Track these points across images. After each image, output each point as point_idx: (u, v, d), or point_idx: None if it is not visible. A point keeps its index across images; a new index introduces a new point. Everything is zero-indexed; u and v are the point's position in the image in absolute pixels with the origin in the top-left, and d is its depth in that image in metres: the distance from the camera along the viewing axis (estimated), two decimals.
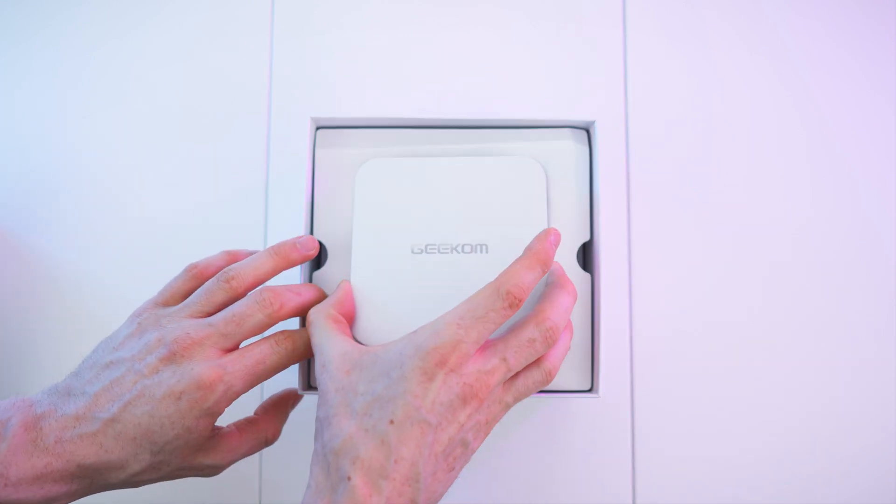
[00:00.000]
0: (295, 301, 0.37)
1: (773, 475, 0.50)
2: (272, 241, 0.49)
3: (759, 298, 0.51)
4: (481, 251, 0.39)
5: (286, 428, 0.51)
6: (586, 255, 0.46)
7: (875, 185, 0.52)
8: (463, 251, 0.38)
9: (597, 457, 0.51)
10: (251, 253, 0.41)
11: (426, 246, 0.39)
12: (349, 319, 0.39)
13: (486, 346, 0.32)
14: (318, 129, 0.45)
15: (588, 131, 0.46)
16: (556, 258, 0.46)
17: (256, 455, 0.51)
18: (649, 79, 0.53)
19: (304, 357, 0.39)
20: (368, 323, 0.39)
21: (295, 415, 0.51)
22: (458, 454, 0.30)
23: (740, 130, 0.53)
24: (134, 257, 0.52)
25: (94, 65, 0.54)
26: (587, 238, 0.45)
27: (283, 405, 0.43)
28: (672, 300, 0.51)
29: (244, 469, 0.51)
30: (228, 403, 0.35)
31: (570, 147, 0.45)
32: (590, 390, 0.44)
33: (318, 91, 0.54)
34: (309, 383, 0.48)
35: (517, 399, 0.34)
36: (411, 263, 0.39)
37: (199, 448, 0.36)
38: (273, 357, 0.37)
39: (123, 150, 0.53)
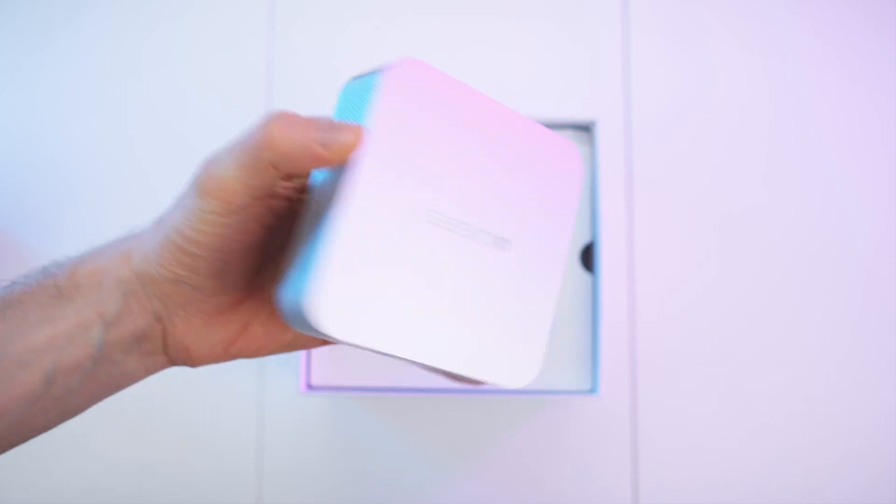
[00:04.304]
0: None
1: (774, 475, 0.51)
2: None
3: (760, 298, 0.51)
4: (500, 247, 0.26)
5: (286, 428, 0.51)
6: (588, 257, 0.46)
7: (877, 184, 0.52)
8: (480, 240, 0.26)
9: (597, 457, 0.51)
10: None
11: (449, 219, 0.25)
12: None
13: None
14: None
15: (590, 131, 0.46)
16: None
17: (256, 454, 0.51)
18: (650, 78, 0.53)
19: None
20: (341, 307, 0.24)
21: (296, 415, 0.51)
22: None
23: (741, 129, 0.53)
24: None
25: (93, 65, 0.54)
26: (589, 239, 0.45)
27: None
28: (673, 301, 0.51)
29: (244, 468, 0.51)
30: None
31: None
32: (590, 390, 0.44)
33: (317, 90, 0.53)
34: (309, 384, 0.48)
35: None
36: (418, 238, 0.25)
37: None
38: None
39: (123, 151, 0.53)
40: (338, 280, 0.24)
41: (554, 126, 0.46)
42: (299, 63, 0.54)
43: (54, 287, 0.25)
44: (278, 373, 0.51)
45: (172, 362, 0.28)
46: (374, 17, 0.54)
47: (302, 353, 0.44)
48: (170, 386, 0.51)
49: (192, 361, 0.28)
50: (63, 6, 0.54)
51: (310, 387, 0.45)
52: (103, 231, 0.56)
